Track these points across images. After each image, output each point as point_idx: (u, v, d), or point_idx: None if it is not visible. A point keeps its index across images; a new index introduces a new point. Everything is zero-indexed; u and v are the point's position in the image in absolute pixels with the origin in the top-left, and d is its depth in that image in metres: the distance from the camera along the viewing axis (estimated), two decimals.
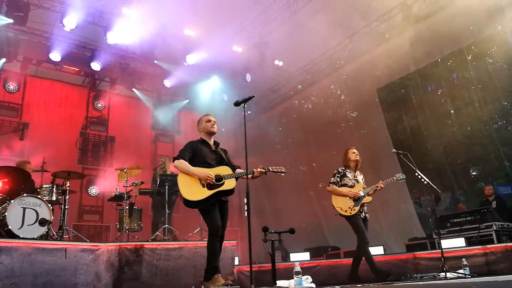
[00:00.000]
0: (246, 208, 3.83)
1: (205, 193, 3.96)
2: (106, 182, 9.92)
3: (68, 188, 5.83)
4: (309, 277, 4.29)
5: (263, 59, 10.04)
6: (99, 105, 10.89)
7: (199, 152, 4.18)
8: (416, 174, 5.04)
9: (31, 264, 4.11)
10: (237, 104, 4.16)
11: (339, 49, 9.91)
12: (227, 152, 4.43)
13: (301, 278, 3.89)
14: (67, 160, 9.37)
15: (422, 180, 4.97)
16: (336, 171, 5.42)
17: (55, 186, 5.69)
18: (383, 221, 9.17)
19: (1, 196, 5.08)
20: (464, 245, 5.81)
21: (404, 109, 10.74)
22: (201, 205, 3.99)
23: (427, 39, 8.19)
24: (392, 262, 5.95)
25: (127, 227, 6.54)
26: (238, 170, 4.18)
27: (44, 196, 5.43)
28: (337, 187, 5.29)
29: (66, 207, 5.78)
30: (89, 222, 10.04)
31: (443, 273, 4.53)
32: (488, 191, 7.45)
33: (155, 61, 9.93)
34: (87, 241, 5.14)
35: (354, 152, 5.44)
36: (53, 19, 8.70)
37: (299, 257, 7.58)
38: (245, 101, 4.13)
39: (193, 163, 4.08)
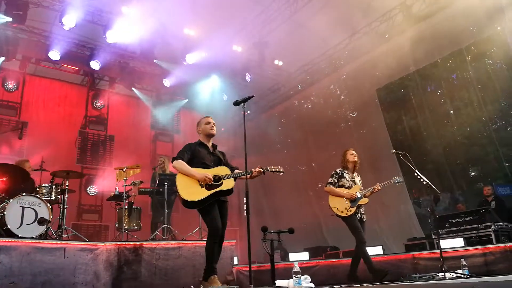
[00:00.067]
0: (245, 208, 3.83)
1: (204, 193, 3.96)
2: (105, 182, 9.91)
3: (67, 187, 5.83)
4: (308, 277, 4.29)
5: (262, 58, 10.04)
6: (98, 104, 10.87)
7: (197, 154, 4.19)
8: (415, 174, 5.04)
9: (30, 263, 4.11)
10: (236, 103, 4.17)
11: (339, 49, 9.91)
12: (225, 155, 4.45)
13: (300, 278, 3.89)
14: (66, 159, 9.36)
15: (421, 180, 4.98)
16: (334, 172, 5.46)
17: (54, 186, 5.68)
18: (382, 221, 9.18)
19: (0, 195, 5.07)
20: (463, 245, 5.81)
21: (404, 109, 10.75)
22: (200, 206, 3.99)
23: (427, 40, 8.20)
24: (391, 262, 5.95)
25: (126, 227, 6.53)
26: (236, 171, 4.19)
27: (43, 195, 5.43)
28: (334, 188, 5.32)
29: (65, 206, 5.77)
30: (88, 221, 10.03)
31: (442, 273, 4.53)
32: (487, 192, 7.46)
33: (155, 60, 9.92)
34: (86, 241, 5.13)
35: (353, 154, 5.47)
36: (52, 18, 8.69)
37: (298, 257, 7.59)
38: (244, 100, 4.14)
39: (191, 165, 4.08)
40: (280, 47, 9.82)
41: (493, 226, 5.80)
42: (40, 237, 4.81)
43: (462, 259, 4.88)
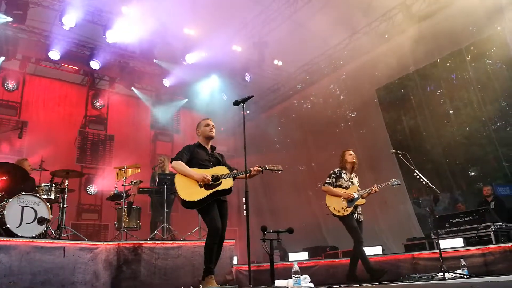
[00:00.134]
0: (245, 208, 3.83)
1: (203, 193, 3.97)
2: (105, 181, 9.91)
3: (66, 186, 5.83)
4: (308, 276, 4.30)
5: (262, 58, 10.03)
6: (98, 104, 10.87)
7: (196, 155, 4.21)
8: (415, 174, 5.05)
9: (29, 262, 4.11)
10: (236, 103, 4.18)
11: (339, 49, 9.90)
12: (224, 157, 4.46)
13: (299, 277, 3.89)
14: (66, 159, 9.36)
15: (421, 180, 4.98)
16: (332, 172, 5.50)
17: (53, 185, 5.69)
18: (381, 221, 9.18)
19: (0, 194, 5.07)
20: (463, 245, 5.81)
21: (403, 109, 10.76)
22: (199, 206, 3.99)
23: (427, 40, 8.20)
24: (390, 262, 5.95)
25: (125, 226, 6.53)
26: (235, 170, 4.21)
27: (42, 194, 5.43)
28: (331, 187, 5.36)
29: (65, 205, 5.78)
30: (88, 221, 10.03)
31: (442, 273, 4.54)
32: (486, 192, 7.45)
33: (155, 60, 9.91)
34: (85, 240, 5.13)
35: (351, 154, 5.51)
36: (52, 18, 8.68)
37: (298, 256, 7.59)
38: (244, 100, 4.14)
39: (190, 166, 4.09)
40: (279, 47, 9.82)
41: (492, 226, 5.80)
42: (40, 236, 4.81)
43: (462, 259, 4.88)
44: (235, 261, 6.18)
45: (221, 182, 4.05)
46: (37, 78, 10.25)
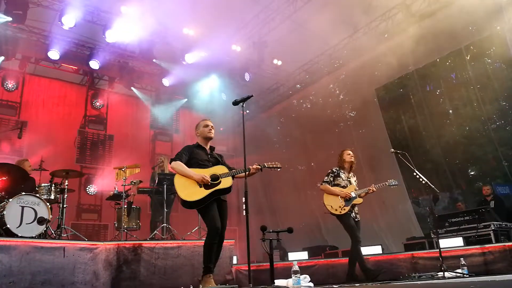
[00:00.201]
0: (244, 208, 3.83)
1: (202, 193, 3.97)
2: (105, 181, 9.91)
3: (66, 186, 5.83)
4: (307, 276, 4.30)
5: (262, 58, 10.03)
6: (97, 103, 10.86)
7: (195, 155, 4.21)
8: (415, 173, 5.06)
9: (29, 263, 4.10)
10: (235, 103, 4.18)
11: (338, 49, 9.90)
12: (223, 157, 4.47)
13: (299, 277, 3.90)
14: (66, 159, 9.34)
15: (421, 179, 4.99)
16: (330, 171, 5.55)
17: (53, 185, 5.68)
18: (381, 220, 9.18)
19: (0, 194, 5.07)
20: (462, 244, 5.82)
21: (403, 108, 10.76)
22: (199, 205, 3.99)
23: (426, 39, 8.20)
24: (390, 262, 5.96)
25: (125, 226, 6.53)
26: (234, 170, 4.21)
27: (42, 194, 5.43)
28: (329, 186, 5.41)
29: (65, 206, 5.77)
30: (88, 221, 10.02)
31: (441, 273, 4.54)
32: (486, 191, 7.47)
33: (154, 60, 9.91)
34: (85, 240, 5.13)
35: (349, 154, 5.56)
36: (51, 18, 8.68)
37: (297, 256, 7.60)
38: (243, 100, 4.14)
39: (189, 166, 4.10)
40: (279, 46, 9.82)
41: (492, 226, 5.81)
42: (40, 236, 4.81)
43: (461, 259, 4.89)
44: (234, 261, 6.17)
45: (220, 181, 4.05)
46: (36, 78, 10.24)
